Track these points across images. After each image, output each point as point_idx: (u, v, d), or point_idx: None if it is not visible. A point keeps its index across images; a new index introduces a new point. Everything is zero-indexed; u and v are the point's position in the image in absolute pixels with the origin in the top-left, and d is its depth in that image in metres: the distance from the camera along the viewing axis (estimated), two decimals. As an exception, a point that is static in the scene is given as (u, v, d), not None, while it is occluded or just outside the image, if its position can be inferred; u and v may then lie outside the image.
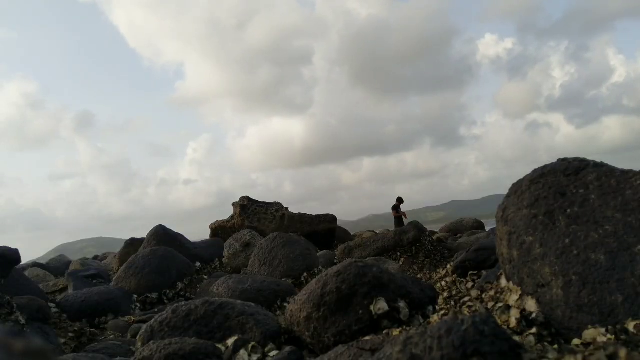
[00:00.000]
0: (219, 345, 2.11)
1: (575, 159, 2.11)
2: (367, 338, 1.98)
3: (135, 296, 4.65)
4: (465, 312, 2.11)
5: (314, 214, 9.86)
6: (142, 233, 6.90)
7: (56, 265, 10.93)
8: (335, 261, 6.28)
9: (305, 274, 5.01)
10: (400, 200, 14.02)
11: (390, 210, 13.66)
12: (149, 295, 4.77)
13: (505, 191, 2.27)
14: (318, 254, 6.31)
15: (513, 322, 1.85)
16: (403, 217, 13.71)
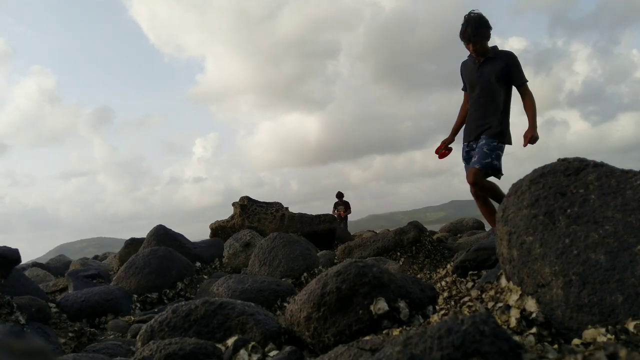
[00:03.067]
0: (219, 345, 2.11)
1: (575, 159, 2.11)
2: (367, 338, 1.98)
3: (135, 296, 4.65)
4: (465, 312, 2.11)
5: (317, 213, 9.87)
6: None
7: (56, 265, 10.93)
8: (335, 261, 6.27)
9: (305, 274, 5.01)
10: (339, 196, 13.15)
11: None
12: (149, 295, 4.77)
13: (506, 191, 2.27)
14: (318, 254, 6.31)
15: (513, 322, 1.85)
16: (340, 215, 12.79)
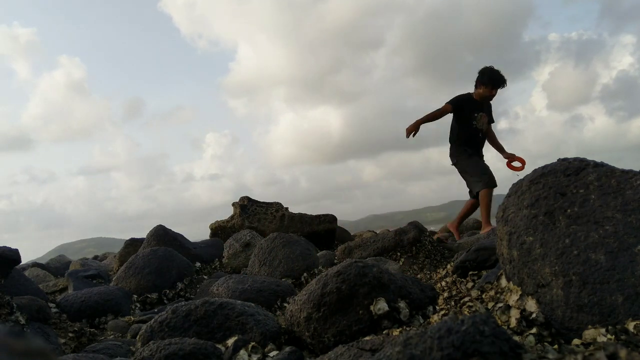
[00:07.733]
0: (219, 346, 2.11)
1: (576, 159, 2.11)
2: (367, 338, 1.98)
3: (135, 296, 4.65)
4: (466, 312, 2.11)
5: (323, 213, 9.79)
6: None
7: (56, 265, 10.92)
8: (335, 261, 6.27)
9: (305, 274, 5.01)
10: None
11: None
12: (149, 296, 4.77)
13: (506, 191, 2.27)
14: (318, 254, 6.31)
15: (513, 322, 1.85)
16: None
